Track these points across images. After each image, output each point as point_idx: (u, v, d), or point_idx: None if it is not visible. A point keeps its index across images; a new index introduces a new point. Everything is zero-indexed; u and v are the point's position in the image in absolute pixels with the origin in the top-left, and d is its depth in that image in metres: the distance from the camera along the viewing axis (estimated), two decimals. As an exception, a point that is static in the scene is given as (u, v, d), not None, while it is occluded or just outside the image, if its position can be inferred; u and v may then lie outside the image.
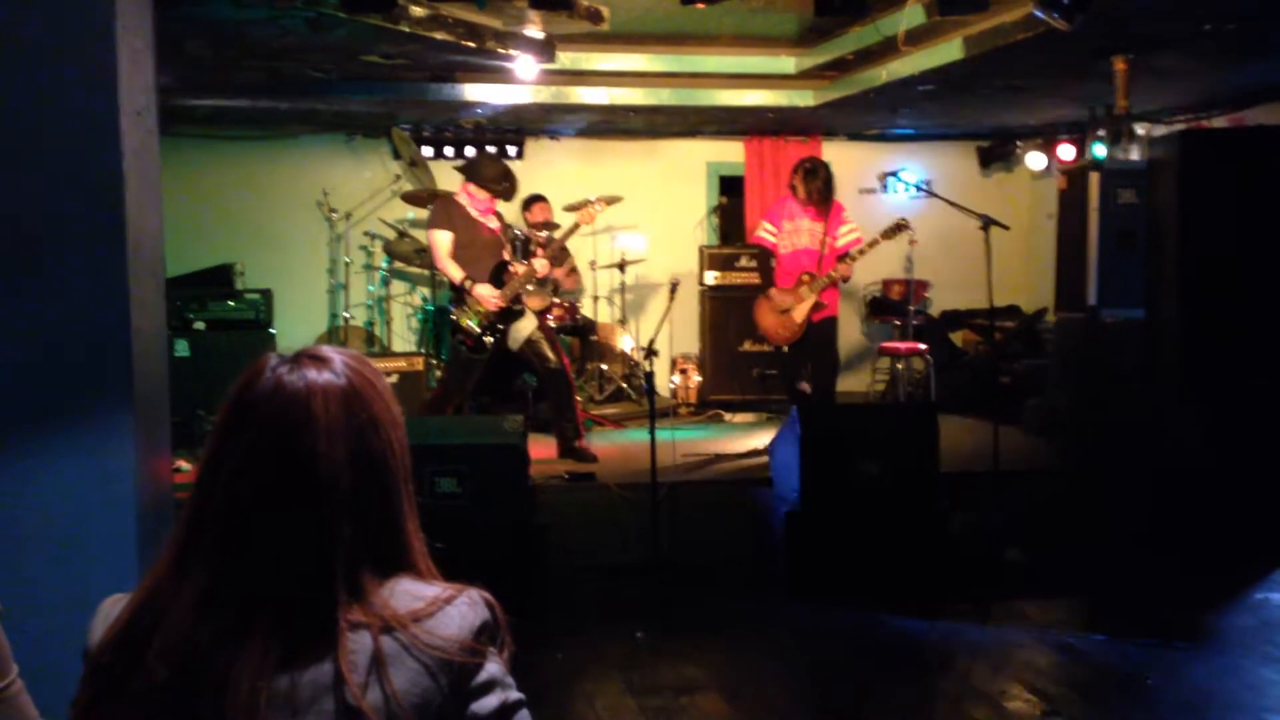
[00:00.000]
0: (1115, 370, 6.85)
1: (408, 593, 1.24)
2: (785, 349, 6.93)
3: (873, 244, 6.74)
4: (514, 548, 5.04)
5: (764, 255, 6.92)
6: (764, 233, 6.96)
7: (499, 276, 6.50)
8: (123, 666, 1.19)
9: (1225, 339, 6.06)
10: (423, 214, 8.72)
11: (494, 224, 6.70)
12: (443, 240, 6.51)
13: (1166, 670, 4.41)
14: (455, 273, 6.47)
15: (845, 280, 6.83)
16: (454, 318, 6.55)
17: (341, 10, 4.83)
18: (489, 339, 6.47)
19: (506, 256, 6.65)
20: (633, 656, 4.61)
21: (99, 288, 2.82)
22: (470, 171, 6.76)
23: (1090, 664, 4.58)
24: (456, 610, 1.24)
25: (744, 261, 8.90)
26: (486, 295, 6.41)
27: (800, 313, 6.73)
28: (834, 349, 7.10)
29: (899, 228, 6.81)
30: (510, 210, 7.90)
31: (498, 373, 6.95)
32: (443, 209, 6.67)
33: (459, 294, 6.51)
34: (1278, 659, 4.50)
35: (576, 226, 6.80)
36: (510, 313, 6.50)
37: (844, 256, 6.74)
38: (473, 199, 6.64)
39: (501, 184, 6.70)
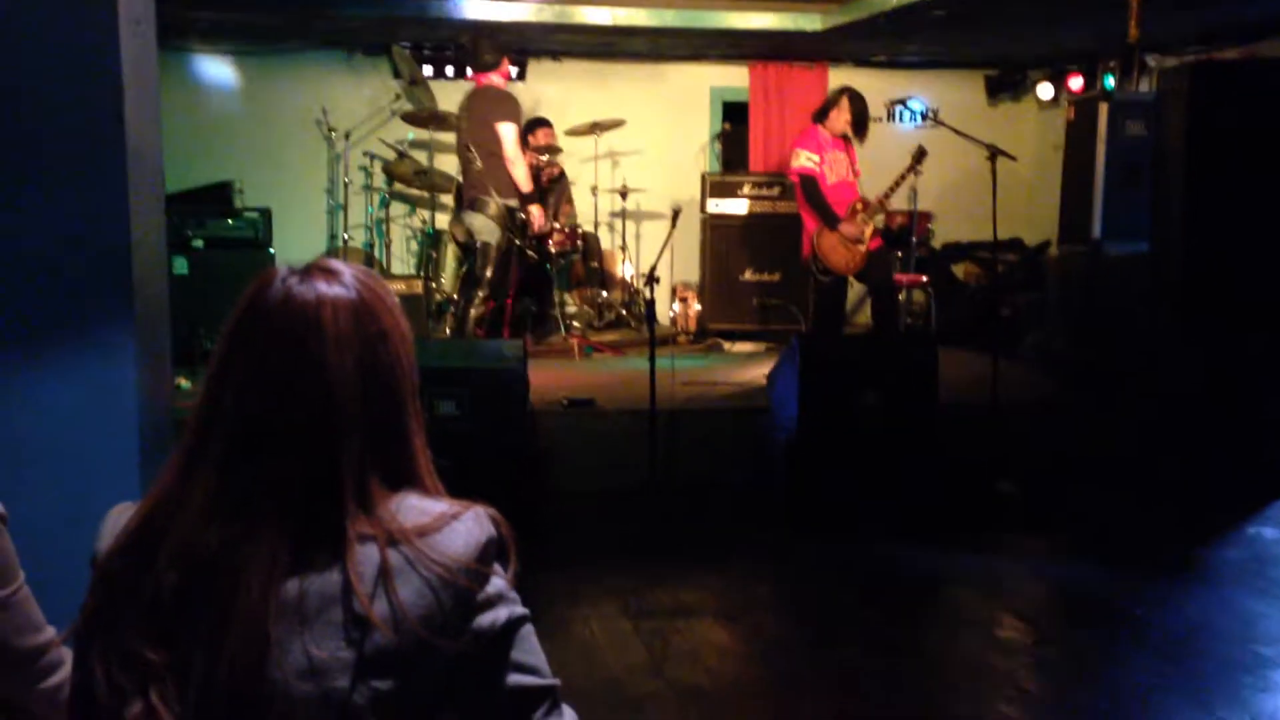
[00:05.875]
0: (1116, 304, 6.84)
1: (414, 508, 1.25)
2: (827, 279, 6.96)
3: (902, 179, 6.84)
4: (513, 471, 5.06)
5: (810, 185, 6.85)
6: (808, 161, 6.88)
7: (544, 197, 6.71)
8: (132, 572, 1.20)
9: (1228, 273, 6.04)
10: (423, 134, 8.63)
11: None
12: (512, 132, 6.68)
13: (1156, 602, 4.46)
14: (524, 178, 6.64)
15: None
16: (522, 218, 6.86)
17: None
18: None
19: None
20: (630, 581, 4.66)
21: (99, 200, 2.79)
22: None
23: (1081, 594, 4.63)
24: (463, 526, 1.24)
25: (747, 189, 8.83)
26: (536, 216, 6.83)
27: (865, 243, 6.80)
28: (892, 274, 7.31)
29: (921, 155, 6.89)
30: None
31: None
32: (514, 100, 6.76)
33: (522, 199, 6.73)
34: (1267, 592, 4.56)
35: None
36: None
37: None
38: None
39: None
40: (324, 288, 1.26)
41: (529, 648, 1.27)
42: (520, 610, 1.27)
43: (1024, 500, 5.70)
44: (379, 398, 1.26)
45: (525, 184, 6.63)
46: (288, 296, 1.24)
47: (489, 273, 6.86)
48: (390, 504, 1.24)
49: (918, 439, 5.51)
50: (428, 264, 8.36)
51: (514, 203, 6.70)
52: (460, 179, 7.22)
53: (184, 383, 5.73)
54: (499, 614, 1.25)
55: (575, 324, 8.01)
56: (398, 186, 8.86)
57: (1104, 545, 5.23)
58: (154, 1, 3.17)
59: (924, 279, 8.30)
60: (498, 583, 1.26)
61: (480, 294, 6.87)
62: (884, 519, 5.29)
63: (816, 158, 6.87)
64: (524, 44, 9.00)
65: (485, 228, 6.80)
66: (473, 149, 6.74)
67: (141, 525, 1.22)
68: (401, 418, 1.29)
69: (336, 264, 1.30)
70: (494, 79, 6.86)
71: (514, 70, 6.84)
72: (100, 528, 1.28)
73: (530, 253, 6.69)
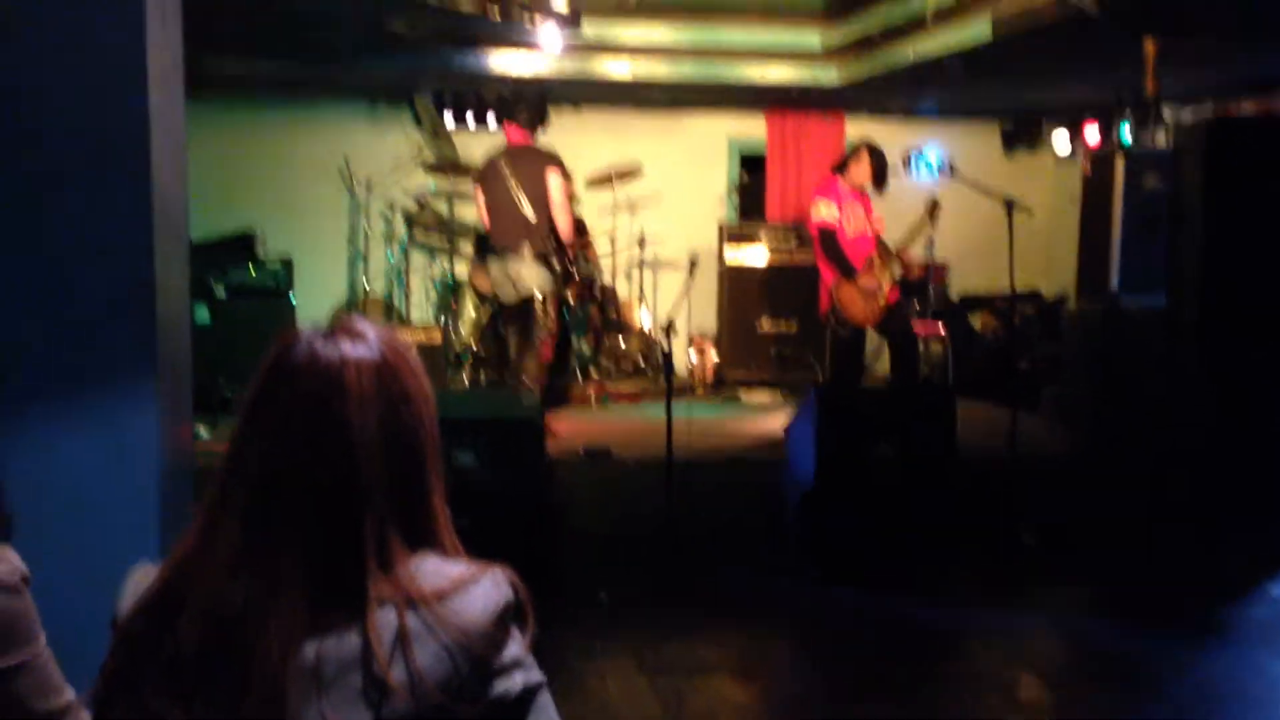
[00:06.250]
0: (1134, 357, 6.81)
1: (433, 570, 1.25)
2: (845, 331, 6.97)
3: (917, 231, 6.86)
4: (529, 522, 5.05)
5: (828, 238, 6.89)
6: (827, 214, 6.93)
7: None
8: (154, 632, 1.20)
9: (1246, 327, 6.01)
10: (444, 184, 8.71)
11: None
12: (561, 182, 6.85)
13: (1178, 661, 4.40)
14: (567, 226, 6.87)
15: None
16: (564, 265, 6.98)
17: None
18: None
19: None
20: (645, 633, 4.62)
21: (124, 251, 2.82)
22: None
23: (1102, 652, 4.57)
24: (481, 590, 1.24)
25: (764, 239, 8.86)
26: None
27: (883, 295, 6.81)
28: (911, 324, 7.33)
29: (935, 208, 6.94)
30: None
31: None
32: (558, 155, 6.99)
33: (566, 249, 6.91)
34: (1291, 653, 4.49)
35: None
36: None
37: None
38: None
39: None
40: (348, 348, 1.27)
41: (546, 715, 1.27)
42: (537, 677, 1.27)
43: (1044, 554, 5.65)
44: (401, 458, 1.27)
45: (568, 232, 6.76)
46: (313, 357, 1.26)
47: (551, 320, 6.91)
48: (410, 565, 1.24)
49: (936, 491, 5.48)
50: (447, 313, 8.40)
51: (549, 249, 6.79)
52: (488, 230, 7.16)
53: (204, 432, 5.75)
54: (516, 680, 1.24)
55: (593, 372, 8.03)
56: (418, 235, 8.93)
57: (1125, 602, 5.17)
58: (183, 55, 3.23)
59: (941, 330, 8.29)
60: (515, 648, 1.25)
61: (542, 336, 6.86)
62: (902, 572, 5.25)
63: (836, 210, 6.92)
64: (544, 94, 9.10)
65: (533, 276, 6.80)
66: (524, 200, 6.78)
67: (164, 584, 1.23)
68: (423, 478, 1.30)
69: (361, 324, 1.31)
70: (513, 136, 6.97)
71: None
72: (121, 589, 1.28)
73: (569, 295, 6.85)
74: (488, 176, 7.00)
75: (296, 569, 1.20)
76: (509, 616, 1.25)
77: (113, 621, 1.26)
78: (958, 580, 5.25)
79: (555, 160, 6.95)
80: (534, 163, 6.92)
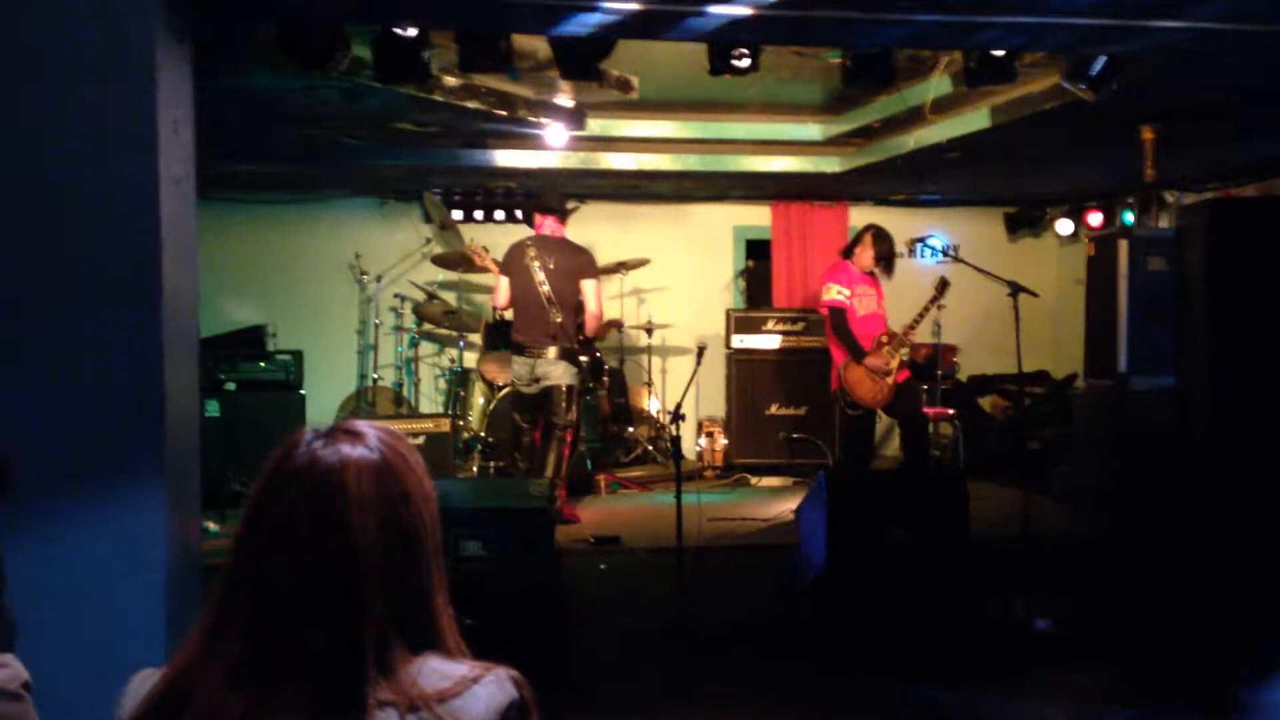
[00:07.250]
0: (1145, 438, 6.79)
1: (435, 671, 1.25)
2: (855, 412, 6.99)
3: (925, 310, 6.92)
4: (539, 612, 5.01)
5: (839, 318, 6.95)
6: (838, 294, 7.00)
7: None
8: (153, 741, 1.20)
9: (1256, 407, 6.00)
10: (451, 276, 8.82)
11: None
12: (597, 288, 6.85)
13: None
14: (597, 330, 6.89)
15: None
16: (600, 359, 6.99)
17: (376, 80, 4.93)
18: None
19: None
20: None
21: (134, 352, 2.86)
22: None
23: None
24: (484, 690, 1.24)
25: (771, 325, 8.92)
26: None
27: (892, 375, 6.84)
28: (921, 406, 7.31)
29: (944, 285, 7.00)
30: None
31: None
32: (593, 255, 6.98)
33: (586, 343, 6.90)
34: (1316, 737, 4.40)
35: None
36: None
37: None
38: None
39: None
40: (347, 450, 1.28)
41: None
42: (541, 776, 1.26)
43: (1060, 638, 5.57)
44: (402, 559, 1.28)
45: (595, 331, 6.83)
46: (312, 460, 1.27)
47: (573, 414, 6.81)
48: (411, 667, 1.24)
49: (949, 574, 5.43)
50: (455, 402, 8.43)
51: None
52: (511, 318, 7.04)
53: (212, 526, 5.75)
54: (519, 781, 1.24)
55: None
56: (427, 327, 9.01)
57: (1142, 686, 5.08)
58: (194, 160, 3.31)
59: (950, 412, 8.29)
60: (519, 748, 1.25)
61: (564, 429, 6.74)
62: (917, 656, 5.17)
63: (847, 291, 6.99)
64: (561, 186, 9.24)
65: (559, 371, 6.64)
66: (552, 300, 6.62)
67: (165, 690, 1.23)
68: (424, 579, 1.30)
69: (360, 425, 1.33)
70: (545, 227, 6.92)
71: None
72: (121, 696, 1.28)
73: (590, 384, 6.91)
74: (514, 265, 6.79)
75: (297, 676, 1.20)
76: (512, 716, 1.25)
77: (114, 726, 1.26)
78: (971, 665, 5.16)
79: (590, 265, 6.79)
80: (566, 261, 6.74)
